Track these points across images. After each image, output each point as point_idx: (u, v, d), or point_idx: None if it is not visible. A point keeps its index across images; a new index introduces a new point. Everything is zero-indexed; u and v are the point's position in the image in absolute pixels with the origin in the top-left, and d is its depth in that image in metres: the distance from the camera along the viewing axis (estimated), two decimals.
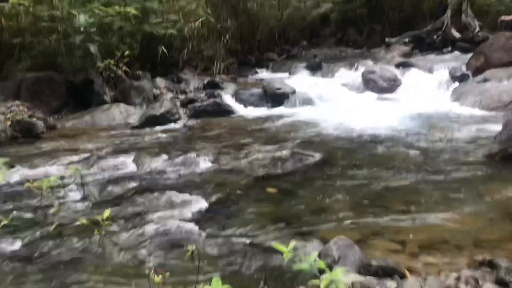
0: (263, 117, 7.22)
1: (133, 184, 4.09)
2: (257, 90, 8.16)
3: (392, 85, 8.48)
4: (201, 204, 3.50)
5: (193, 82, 9.17)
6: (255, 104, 7.96)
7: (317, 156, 4.64)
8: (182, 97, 8.15)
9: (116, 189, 3.97)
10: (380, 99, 8.02)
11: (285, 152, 4.79)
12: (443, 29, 11.39)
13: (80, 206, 3.54)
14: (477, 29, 11.42)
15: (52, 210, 2.71)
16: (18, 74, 8.13)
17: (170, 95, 8.38)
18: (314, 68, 10.28)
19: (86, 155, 5.41)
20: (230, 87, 8.79)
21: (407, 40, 11.55)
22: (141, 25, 9.54)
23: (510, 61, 7.93)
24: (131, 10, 8.67)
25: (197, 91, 8.59)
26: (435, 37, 11.51)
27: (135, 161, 4.95)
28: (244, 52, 12.09)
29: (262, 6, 11.87)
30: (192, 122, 6.99)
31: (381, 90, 8.42)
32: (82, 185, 3.70)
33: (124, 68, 8.76)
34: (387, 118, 6.42)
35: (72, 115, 7.85)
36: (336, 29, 14.78)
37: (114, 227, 3.12)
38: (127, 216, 3.35)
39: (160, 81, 9.09)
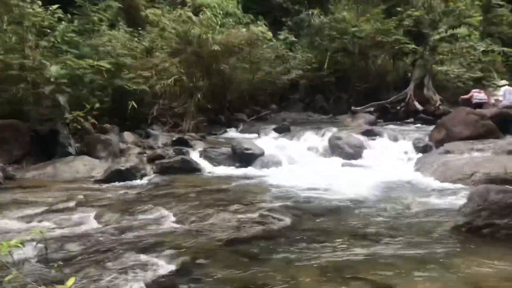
0: (231, 176, 7.19)
1: (93, 243, 3.91)
2: (226, 149, 8.18)
3: (357, 152, 8.67)
4: (164, 268, 3.36)
5: (162, 138, 9.13)
6: (223, 163, 7.95)
7: (286, 220, 4.59)
8: (149, 152, 8.07)
9: (76, 249, 3.77)
10: (345, 164, 8.14)
11: (253, 215, 4.73)
12: (406, 100, 11.91)
13: (39, 271, 3.33)
14: (438, 102, 12.02)
15: (7, 278, 2.49)
16: None
17: (137, 150, 8.30)
18: (283, 131, 10.47)
19: (46, 208, 5.20)
20: (199, 145, 8.80)
21: (372, 109, 11.99)
22: (112, 79, 9.58)
23: (470, 135, 8.30)
24: (105, 64, 8.71)
25: (165, 148, 8.53)
26: (398, 107, 12.01)
27: (97, 217, 4.78)
28: (215, 111, 12.24)
29: (234, 68, 12.16)
30: (158, 178, 6.88)
31: (347, 156, 8.58)
32: (46, 248, 3.48)
33: (92, 120, 8.70)
34: (352, 184, 6.47)
35: (34, 166, 7.62)
36: (305, 95, 15.27)
37: None
38: (87, 280, 3.16)
39: (127, 136, 9.01)
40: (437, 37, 13.52)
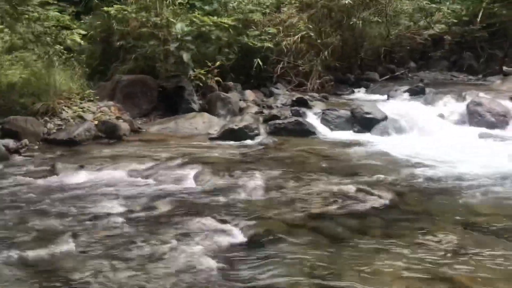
0: (346, 142, 6.74)
1: (179, 204, 3.92)
2: (344, 112, 7.68)
3: (501, 121, 7.48)
4: (235, 238, 3.21)
5: (282, 98, 8.93)
6: (340, 127, 7.49)
7: (386, 197, 4.10)
8: (266, 112, 7.94)
9: (160, 207, 3.83)
10: (484, 135, 7.07)
11: (349, 188, 4.32)
12: None
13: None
14: None
15: None
16: (116, 76, 8.54)
17: (255, 109, 8.24)
18: (416, 93, 9.48)
19: (154, 164, 5.42)
20: (318, 106, 8.41)
21: None
22: (238, 36, 9.56)
23: None
24: (228, 21, 8.69)
25: (283, 107, 8.33)
26: None
27: (196, 177, 4.82)
28: (344, 69, 11.61)
29: (369, 23, 11.28)
30: (269, 140, 6.73)
31: (488, 125, 7.45)
32: None
33: (216, 78, 8.84)
34: (484, 160, 5.59)
35: (160, 120, 8.05)
36: (450, 52, 13.66)
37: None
38: (152, 239, 3.16)
39: (249, 94, 9.00)
40: None
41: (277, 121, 7.27)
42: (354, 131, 7.36)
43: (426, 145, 6.49)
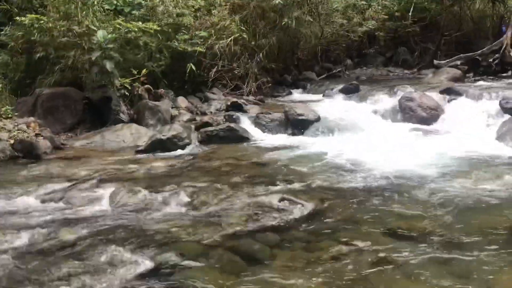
0: (279, 146, 6.56)
1: (87, 230, 3.57)
2: (278, 115, 7.51)
3: (432, 115, 7.55)
4: (142, 266, 2.91)
5: (216, 103, 8.67)
6: (274, 131, 7.32)
7: (310, 206, 3.92)
8: (198, 119, 7.65)
9: (66, 236, 3.46)
10: (416, 130, 7.10)
11: (273, 198, 4.11)
12: (501, 51, 10.21)
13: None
14: None
15: None
16: (37, 90, 8.00)
17: (187, 116, 7.93)
18: (351, 91, 9.47)
19: (71, 184, 5.01)
20: (254, 110, 8.20)
21: (459, 62, 10.45)
22: (168, 41, 9.22)
23: None
24: (154, 26, 8.33)
25: (217, 113, 8.07)
26: (491, 60, 10.35)
27: (112, 196, 4.47)
28: (280, 71, 11.48)
29: (301, 22, 11.19)
30: (199, 149, 6.46)
31: (419, 120, 7.51)
32: None
33: (146, 86, 8.46)
34: (416, 157, 5.57)
35: (86, 134, 7.58)
36: (385, 48, 13.86)
37: None
38: (46, 277, 2.81)
39: (181, 101, 8.67)
40: None
41: (209, 128, 7.00)
42: (288, 134, 7.21)
43: (359, 144, 6.41)
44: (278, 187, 4.53)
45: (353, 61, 13.19)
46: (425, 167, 5.16)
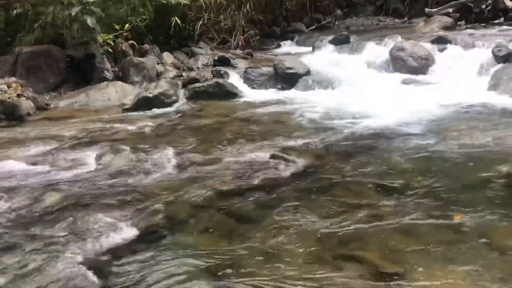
0: (268, 101, 6.44)
1: (71, 194, 3.48)
2: (267, 70, 7.34)
3: (423, 65, 7.39)
4: (127, 231, 2.84)
5: (203, 58, 8.43)
6: (264, 86, 7.17)
7: (302, 162, 3.85)
8: (185, 75, 7.45)
9: (50, 200, 3.37)
10: (407, 81, 6.98)
11: (264, 155, 4.03)
12: None
13: None
14: None
15: None
16: (17, 48, 7.71)
17: (174, 72, 7.72)
18: (341, 42, 9.21)
19: (56, 146, 4.89)
20: (242, 64, 8.00)
21: (450, 10, 10.18)
22: None
23: None
24: None
25: (204, 69, 7.86)
26: (483, 6, 10.10)
27: (98, 158, 4.36)
28: (269, 22, 11.18)
29: None
30: (187, 106, 6.32)
31: (410, 70, 7.35)
32: None
33: (130, 41, 8.19)
34: (406, 109, 5.48)
35: (70, 93, 7.38)
36: None
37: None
38: (28, 244, 2.73)
39: (167, 56, 8.43)
40: None
41: (197, 85, 6.83)
42: (278, 89, 7.06)
43: (350, 97, 6.31)
44: (268, 144, 4.44)
45: (343, 11, 12.83)
46: (415, 120, 5.07)
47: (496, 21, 10.02)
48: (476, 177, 3.33)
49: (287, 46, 10.42)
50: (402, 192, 3.22)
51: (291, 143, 4.47)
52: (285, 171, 3.69)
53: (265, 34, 10.79)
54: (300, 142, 4.49)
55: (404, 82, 6.97)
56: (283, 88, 7.02)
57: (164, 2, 8.72)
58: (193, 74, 7.31)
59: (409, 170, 3.62)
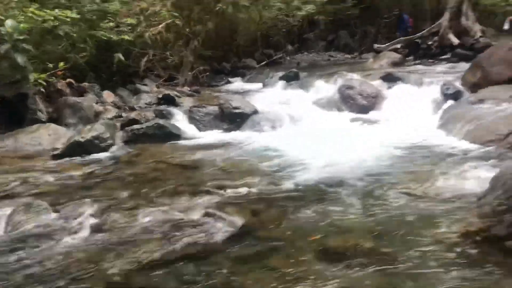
0: (213, 144, 6.07)
1: None
2: (213, 109, 7.00)
3: (372, 103, 7.28)
4: None
5: (148, 96, 8.01)
6: (209, 126, 6.81)
7: (238, 221, 3.44)
8: (125, 115, 6.99)
9: None
10: (357, 120, 6.82)
11: (196, 213, 3.61)
12: (439, 33, 10.09)
13: None
14: (478, 34, 10.11)
15: None
16: None
17: (113, 112, 7.24)
18: (291, 79, 9.09)
19: None
20: (188, 103, 7.65)
21: (399, 46, 10.26)
22: (90, 30, 8.42)
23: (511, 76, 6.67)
24: (71, 14, 7.52)
25: (147, 108, 7.45)
26: (430, 43, 10.22)
27: (10, 218, 3.81)
28: (219, 58, 10.93)
29: (237, 7, 10.64)
30: (123, 150, 5.84)
31: (359, 109, 7.22)
32: None
33: (67, 80, 7.70)
34: (355, 151, 5.23)
35: None
36: (326, 32, 13.57)
37: None
38: None
39: (107, 95, 7.96)
40: None
41: (135, 126, 6.38)
42: (224, 129, 6.72)
43: (298, 138, 6.05)
44: (205, 197, 4.03)
45: (294, 46, 12.81)
46: (364, 163, 4.81)
47: (443, 57, 10.15)
48: (425, 238, 3.01)
49: (238, 83, 10.18)
50: (349, 258, 2.86)
51: (230, 194, 4.07)
52: (219, 233, 3.27)
53: (215, 70, 10.53)
54: (241, 193, 4.11)
55: (354, 120, 6.80)
56: (229, 129, 6.68)
57: (105, 38, 8.29)
58: (133, 114, 6.86)
59: (354, 228, 3.28)
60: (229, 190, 4.20)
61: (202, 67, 9.93)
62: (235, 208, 3.74)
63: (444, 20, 10.12)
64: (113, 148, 5.96)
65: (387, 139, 5.72)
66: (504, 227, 2.79)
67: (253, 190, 4.19)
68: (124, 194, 4.25)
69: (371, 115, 7.01)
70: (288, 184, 4.33)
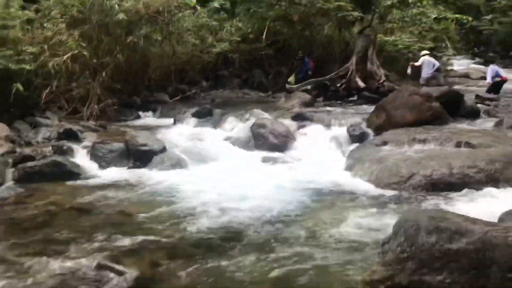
0: (115, 183, 5.67)
1: None
2: (118, 145, 6.60)
3: (283, 142, 7.29)
4: None
5: (47, 130, 7.41)
6: (114, 164, 6.39)
7: (132, 274, 3.12)
8: (19, 151, 6.37)
9: None
10: (267, 159, 6.76)
11: (90, 265, 3.23)
12: (347, 77, 10.54)
13: None
14: (383, 78, 10.69)
15: None
16: None
17: (6, 148, 6.56)
18: (204, 116, 8.92)
19: None
20: (92, 138, 7.16)
21: (309, 87, 10.56)
22: None
23: (413, 120, 7.03)
24: None
25: (48, 142, 6.87)
26: (338, 85, 10.64)
27: None
28: (129, 92, 10.51)
29: (149, 40, 10.41)
30: (12, 191, 5.27)
31: (271, 147, 7.20)
32: None
33: None
34: (262, 192, 5.14)
35: None
36: (241, 70, 13.66)
37: None
38: None
39: (1, 129, 7.23)
40: (388, 3, 12.11)
41: (29, 164, 5.81)
42: (129, 167, 6.33)
43: (207, 178, 5.83)
44: (99, 246, 3.67)
45: (208, 83, 12.71)
46: (270, 207, 4.69)
47: (351, 99, 10.57)
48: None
49: (148, 118, 9.84)
50: None
51: (128, 242, 3.75)
52: None
53: (124, 104, 10.08)
54: (140, 240, 3.80)
55: (264, 160, 6.74)
56: (135, 167, 6.31)
57: (1, 67, 7.64)
58: (28, 150, 6.29)
59: (255, 281, 3.10)
60: (127, 236, 3.88)
61: (110, 100, 9.47)
62: (132, 258, 3.42)
63: (351, 64, 10.62)
64: (1, 188, 5.36)
65: (295, 180, 5.70)
66: (406, 276, 2.76)
67: (153, 237, 3.90)
68: (8, 242, 3.77)
69: (282, 154, 7.00)
70: (191, 231, 4.10)
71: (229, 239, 3.86)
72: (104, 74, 9.25)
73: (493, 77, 10.59)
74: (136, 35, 9.77)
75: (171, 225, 4.18)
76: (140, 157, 6.36)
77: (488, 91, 10.43)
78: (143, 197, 5.15)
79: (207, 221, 4.26)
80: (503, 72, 11.01)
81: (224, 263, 3.37)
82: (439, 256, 2.74)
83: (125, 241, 3.78)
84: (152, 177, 5.92)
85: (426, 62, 11.03)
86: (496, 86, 10.57)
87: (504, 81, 10.63)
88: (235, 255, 3.52)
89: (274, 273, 3.23)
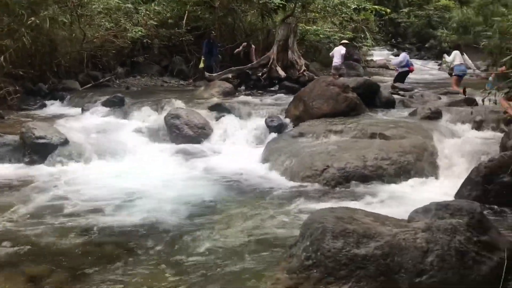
0: (6, 182, 5.05)
1: None
2: (13, 138, 5.95)
3: (199, 134, 6.95)
4: None
5: None
6: (7, 159, 5.76)
7: None
8: None
9: None
10: (181, 152, 6.38)
11: None
12: (268, 66, 10.33)
13: None
14: (303, 68, 10.60)
15: None
16: None
17: None
18: (114, 105, 8.32)
19: None
20: None
21: (230, 76, 10.23)
22: None
23: (330, 111, 6.92)
24: None
25: None
26: (260, 74, 10.41)
27: None
28: (35, 78, 9.65)
29: (56, 22, 9.57)
30: None
31: (186, 139, 6.83)
32: None
33: None
34: (171, 189, 4.79)
35: None
36: (160, 56, 13.05)
37: None
38: None
39: None
40: None
41: None
42: (25, 163, 5.72)
43: (111, 173, 5.37)
44: None
45: (124, 69, 12.01)
46: (180, 202, 4.41)
47: (272, 89, 10.39)
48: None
49: (55, 106, 9.07)
50: None
51: (10, 252, 3.25)
52: None
53: (28, 92, 9.23)
54: (21, 249, 3.31)
55: (177, 152, 6.35)
56: (32, 162, 5.70)
57: None
58: None
59: None
60: (9, 247, 3.37)
61: (12, 88, 8.61)
62: (8, 272, 2.95)
63: (273, 52, 10.42)
64: None
65: (208, 174, 5.44)
66: (311, 286, 2.55)
67: (39, 245, 3.42)
68: None
69: (198, 146, 6.66)
70: (85, 235, 3.66)
71: (127, 243, 3.48)
72: (2, 58, 8.35)
73: (402, 66, 10.81)
74: (40, 16, 8.91)
75: (60, 230, 3.73)
76: (38, 150, 5.75)
77: (395, 80, 10.67)
78: (32, 197, 4.58)
79: (104, 224, 3.84)
80: (412, 64, 11.29)
81: (115, 272, 2.99)
82: (346, 263, 2.55)
83: (5, 250, 3.28)
84: (49, 173, 5.39)
85: (336, 51, 11.18)
86: (402, 75, 10.84)
87: (410, 71, 10.95)
88: (134, 263, 3.15)
89: (170, 279, 2.91)
